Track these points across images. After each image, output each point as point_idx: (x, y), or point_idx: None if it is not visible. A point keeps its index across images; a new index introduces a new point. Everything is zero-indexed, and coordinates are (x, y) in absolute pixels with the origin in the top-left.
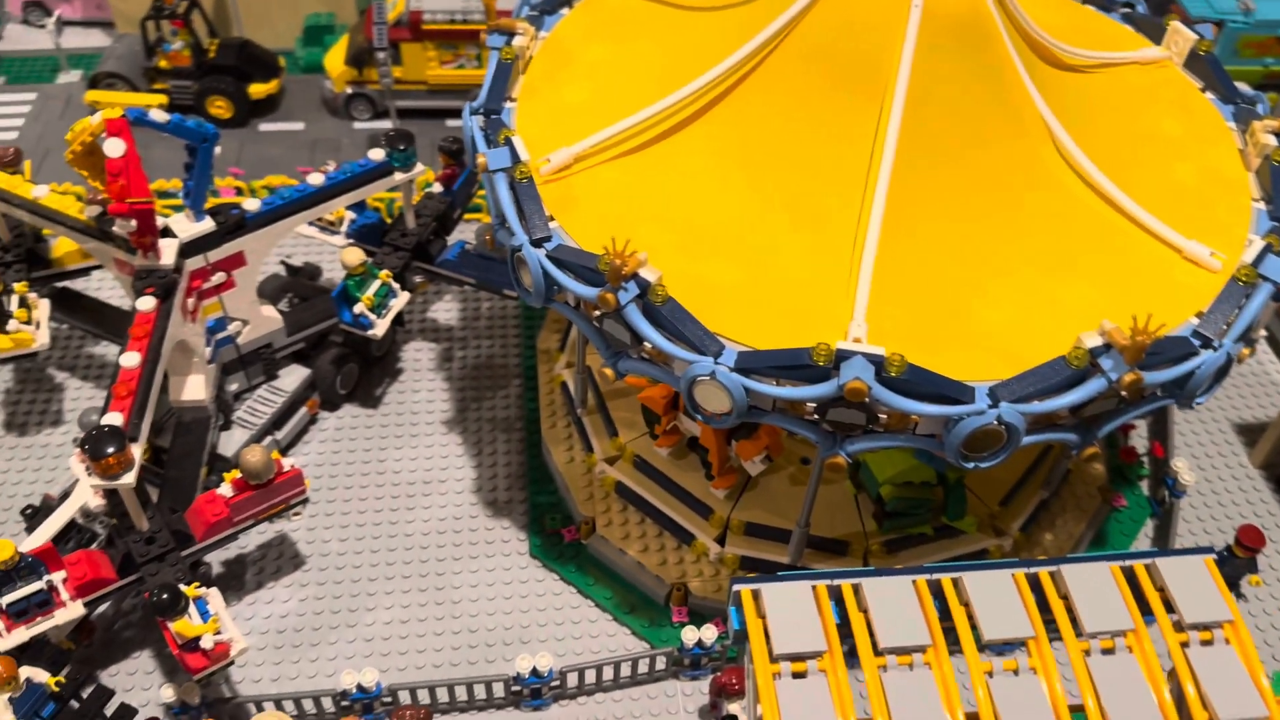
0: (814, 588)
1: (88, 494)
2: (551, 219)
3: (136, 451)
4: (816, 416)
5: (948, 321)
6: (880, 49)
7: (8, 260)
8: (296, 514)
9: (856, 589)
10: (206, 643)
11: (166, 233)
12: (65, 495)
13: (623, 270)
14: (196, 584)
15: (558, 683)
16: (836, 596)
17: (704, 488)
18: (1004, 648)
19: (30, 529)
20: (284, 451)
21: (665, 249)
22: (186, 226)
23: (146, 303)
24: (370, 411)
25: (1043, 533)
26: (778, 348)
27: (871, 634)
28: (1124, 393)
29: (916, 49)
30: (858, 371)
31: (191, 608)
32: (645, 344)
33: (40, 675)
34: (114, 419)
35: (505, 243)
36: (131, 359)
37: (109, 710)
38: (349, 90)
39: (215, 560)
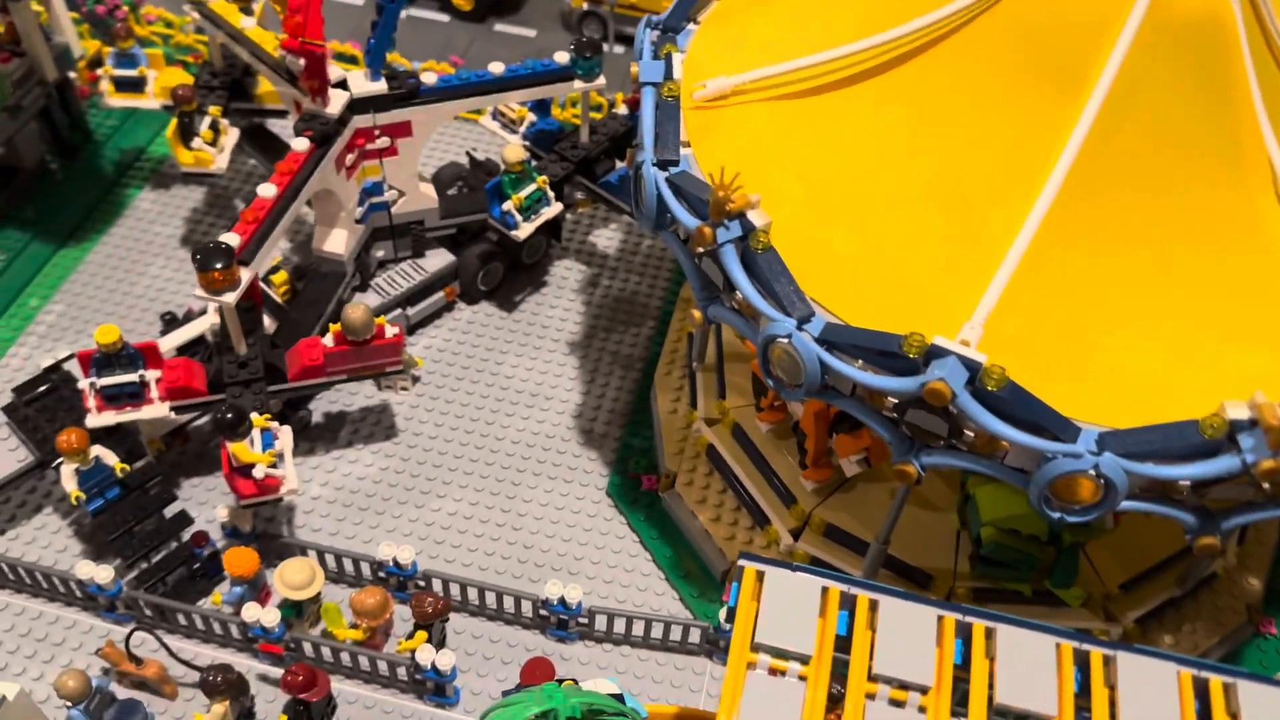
0: (825, 588)
1: (200, 327)
2: (686, 145)
3: (245, 275)
4: (895, 415)
5: (1077, 351)
6: (1090, 40)
7: (213, 85)
8: (404, 388)
9: (873, 605)
10: (258, 472)
11: (342, 85)
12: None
13: (727, 205)
14: (268, 416)
15: (585, 620)
16: (849, 606)
17: (795, 475)
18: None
19: (163, 333)
20: (411, 330)
21: (792, 202)
22: (361, 84)
23: (301, 143)
24: (504, 314)
25: (1162, 634)
26: (875, 329)
27: (871, 656)
28: (1263, 482)
29: (1131, 46)
30: (947, 374)
31: (256, 436)
32: (736, 293)
33: (110, 458)
34: (231, 239)
35: (635, 158)
36: (268, 190)
37: (169, 513)
38: (585, 7)
39: (317, 411)
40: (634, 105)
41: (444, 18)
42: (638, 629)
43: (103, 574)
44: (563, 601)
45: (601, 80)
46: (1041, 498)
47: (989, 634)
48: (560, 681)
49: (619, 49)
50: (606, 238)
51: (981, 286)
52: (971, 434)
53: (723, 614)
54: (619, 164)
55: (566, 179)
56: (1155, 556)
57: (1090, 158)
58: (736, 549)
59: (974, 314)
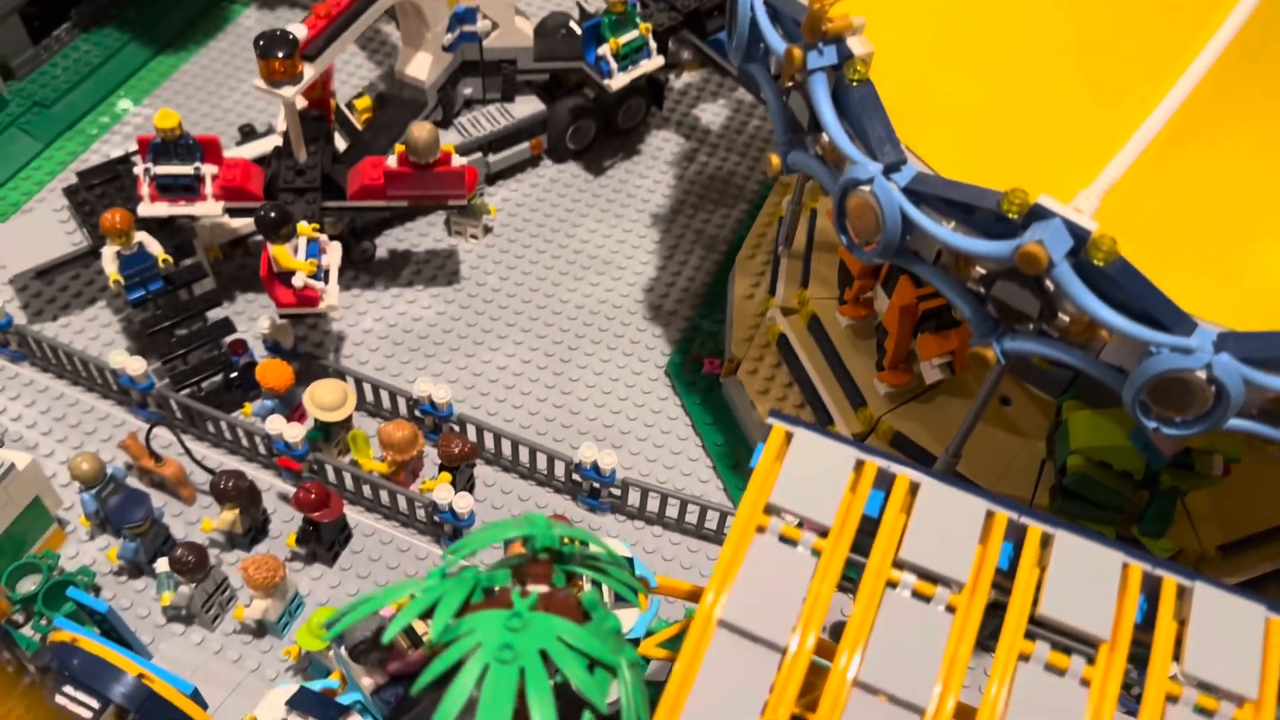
0: (860, 460)
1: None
2: None
3: (309, 71)
4: (982, 289)
5: (1204, 243)
6: None
7: None
8: (474, 236)
9: (914, 488)
10: (298, 281)
11: None
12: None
13: (824, 24)
14: (316, 226)
15: (618, 492)
16: (886, 487)
17: (869, 377)
18: (1062, 639)
19: (238, 144)
20: (490, 179)
21: (905, 34)
22: None
23: None
24: (589, 177)
25: None
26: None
27: (901, 541)
28: None
29: None
30: (1047, 237)
31: (301, 245)
32: (822, 134)
33: (155, 247)
34: (299, 30)
35: None
36: None
37: (214, 317)
38: None
39: (384, 246)
40: None
41: None
42: (672, 510)
43: (135, 365)
44: (596, 467)
45: None
46: (1138, 401)
47: (1045, 540)
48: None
49: None
50: (712, 112)
51: (1107, 155)
52: (1067, 318)
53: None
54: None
55: (673, 31)
56: (1265, 521)
57: (1251, 37)
58: None
59: (1093, 183)
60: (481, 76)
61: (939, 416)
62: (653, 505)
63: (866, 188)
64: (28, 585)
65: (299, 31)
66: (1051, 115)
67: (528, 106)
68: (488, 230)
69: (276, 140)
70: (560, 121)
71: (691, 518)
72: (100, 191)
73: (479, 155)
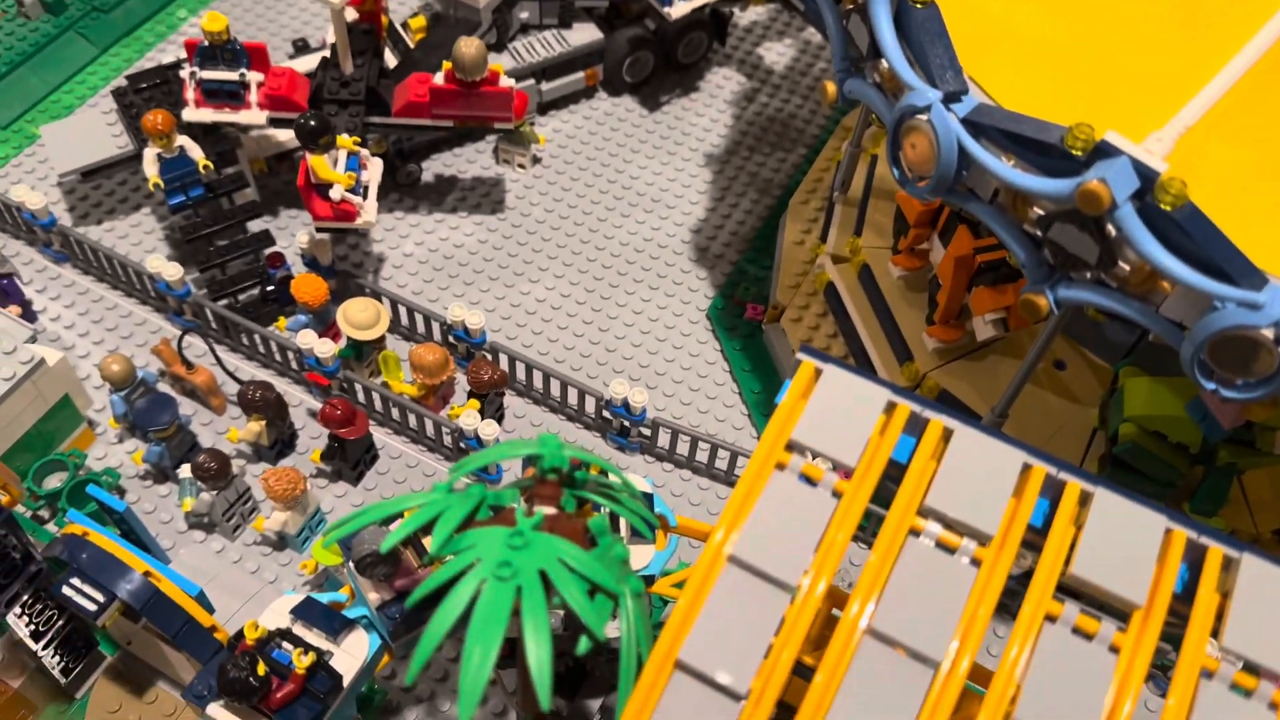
0: (891, 402)
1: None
2: None
3: None
4: (1039, 231)
5: None
6: None
7: None
8: (522, 165)
9: (947, 434)
10: (335, 194)
11: None
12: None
13: None
14: (357, 140)
15: (648, 432)
16: (917, 432)
17: (918, 331)
18: (1094, 607)
19: (290, 58)
20: (542, 109)
21: None
22: None
23: None
24: (644, 112)
25: None
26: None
27: (929, 488)
28: None
29: None
30: (1111, 176)
31: (340, 158)
32: (881, 61)
33: (196, 152)
34: None
35: None
36: None
37: (254, 226)
38: None
39: (430, 170)
40: None
41: None
42: (702, 454)
43: (171, 271)
44: (626, 405)
45: None
46: (1197, 360)
47: (1084, 498)
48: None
49: None
50: (777, 51)
51: (1186, 96)
52: (1127, 266)
53: None
54: None
55: None
56: None
57: None
58: None
59: (1168, 125)
60: (539, 1)
61: (988, 376)
62: (682, 448)
63: (923, 117)
64: (53, 482)
65: None
66: (1129, 49)
67: (585, 34)
68: (536, 160)
69: (327, 46)
70: (618, 52)
71: (721, 464)
72: (148, 96)
73: (531, 82)
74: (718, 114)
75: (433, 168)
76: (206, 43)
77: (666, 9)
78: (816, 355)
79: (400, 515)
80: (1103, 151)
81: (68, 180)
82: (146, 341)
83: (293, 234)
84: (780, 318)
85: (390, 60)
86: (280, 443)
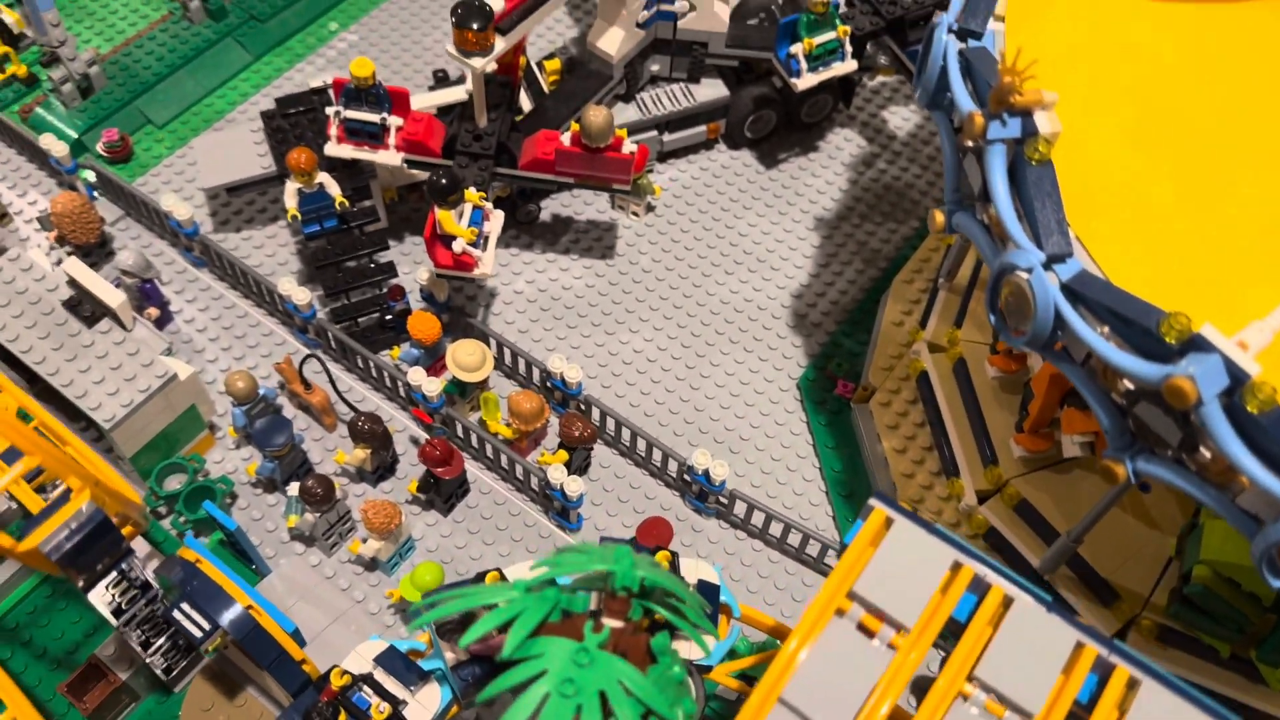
0: (958, 563)
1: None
2: (1000, 19)
3: (500, 44)
4: (1125, 402)
5: None
6: None
7: None
8: (636, 213)
9: (1008, 601)
10: (457, 246)
11: None
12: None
13: (1012, 96)
14: (483, 195)
15: (726, 500)
16: (980, 592)
17: (1006, 435)
18: None
19: (430, 89)
20: (662, 157)
21: (1100, 114)
22: None
23: None
24: (761, 168)
25: None
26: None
27: (982, 655)
28: None
29: None
30: (1200, 373)
31: (466, 210)
32: (990, 205)
33: (333, 189)
34: (495, 2)
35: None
36: None
37: (380, 259)
38: None
39: (548, 210)
40: None
41: None
42: (775, 529)
43: (300, 295)
44: (707, 474)
45: None
46: (1266, 556)
47: (1132, 684)
48: (657, 550)
49: None
50: (901, 117)
51: None
52: (1207, 454)
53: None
54: None
55: (873, 36)
56: None
57: None
58: (913, 488)
59: (1271, 314)
60: (671, 55)
61: (1070, 491)
62: (757, 520)
63: (1024, 275)
64: (173, 484)
65: (496, 3)
66: (1246, 224)
67: (712, 90)
68: (650, 208)
69: (465, 92)
70: (742, 109)
71: (793, 540)
72: (294, 120)
73: (654, 133)
74: (834, 176)
75: (551, 207)
76: (354, 85)
77: (794, 80)
78: (888, 503)
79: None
80: (1196, 344)
81: (212, 191)
82: (271, 353)
83: (416, 261)
84: (870, 399)
85: (525, 102)
86: (382, 468)
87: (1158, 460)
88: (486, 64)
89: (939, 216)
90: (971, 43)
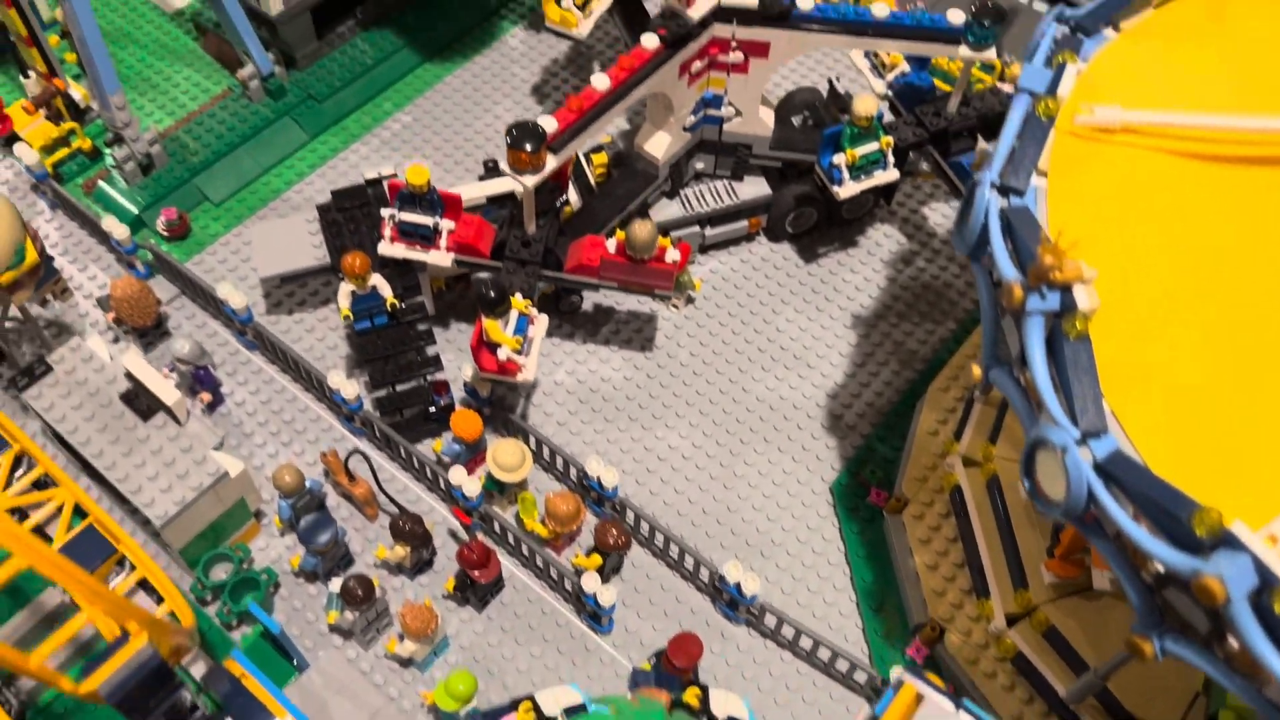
0: None
1: (509, 184)
2: (1043, 174)
3: (551, 162)
4: (1154, 582)
5: None
6: None
7: None
8: (676, 306)
9: None
10: (502, 354)
11: None
12: None
13: (1052, 272)
14: (529, 302)
15: (755, 612)
16: None
17: (1037, 560)
18: None
19: (480, 178)
20: (703, 248)
21: (1140, 286)
22: None
23: (651, 40)
24: (800, 262)
25: None
26: (1170, 482)
27: None
28: None
29: None
30: (1230, 573)
31: (512, 318)
32: (1026, 370)
33: (385, 290)
34: (548, 124)
35: (978, 169)
36: (601, 82)
37: (427, 352)
38: None
39: (590, 299)
40: None
41: None
42: (805, 643)
43: (349, 389)
44: (739, 586)
45: (992, 53)
46: None
47: None
48: (678, 703)
49: (1040, 4)
50: (941, 215)
51: None
52: (1236, 645)
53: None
54: (982, 146)
55: (916, 147)
56: None
57: None
58: (944, 606)
59: None
60: (716, 155)
61: (1100, 620)
62: (787, 632)
63: (1056, 451)
64: (219, 573)
65: (548, 125)
66: None
67: (754, 188)
68: (690, 301)
69: (499, 186)
70: (783, 206)
71: (823, 655)
72: (349, 214)
73: (696, 229)
74: (872, 273)
75: (593, 296)
76: (408, 190)
77: (836, 188)
78: (919, 677)
79: None
80: (1227, 541)
81: (268, 281)
82: (318, 439)
83: (459, 348)
84: (903, 510)
85: (572, 194)
86: (420, 563)
87: (1186, 642)
88: (538, 181)
89: (976, 370)
90: (1014, 200)
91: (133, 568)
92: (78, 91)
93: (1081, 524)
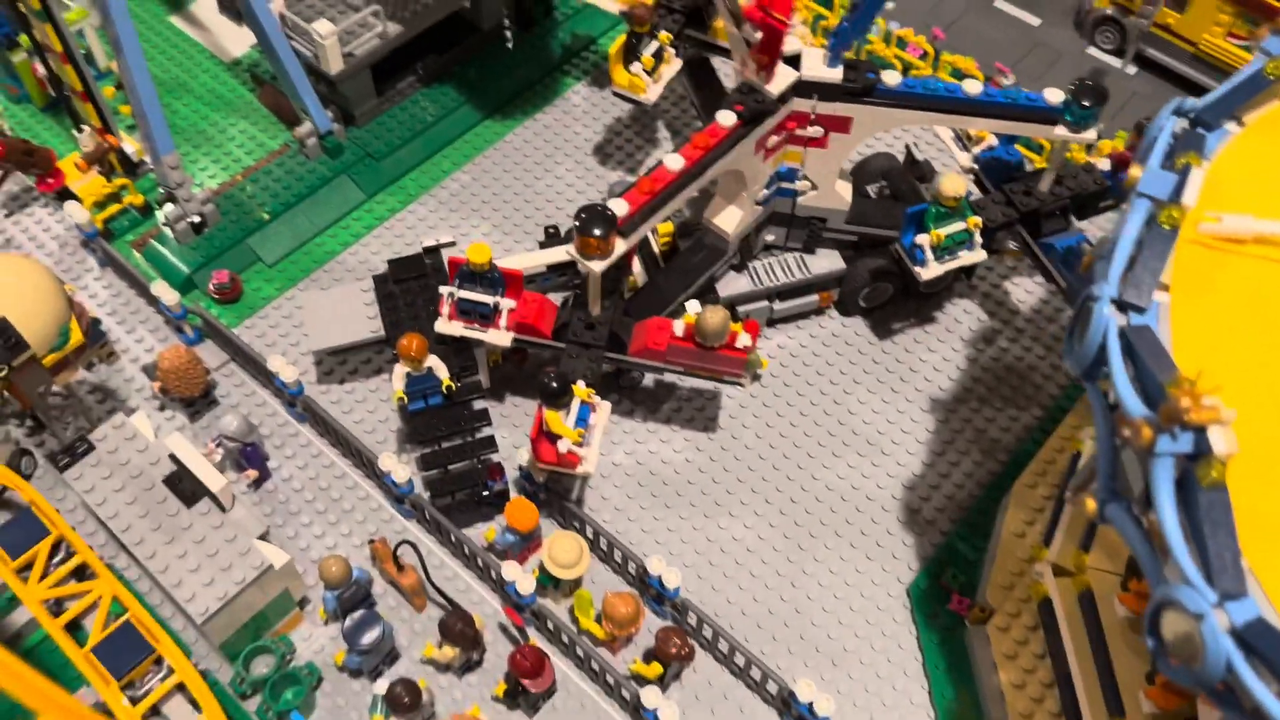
0: None
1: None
2: (1165, 289)
3: (620, 246)
4: None
5: None
6: None
7: (673, 7)
8: (741, 385)
9: None
10: (563, 447)
11: (793, 61)
12: None
13: (1184, 414)
14: (591, 391)
15: None
16: None
17: (1136, 685)
18: None
19: (541, 245)
20: (771, 323)
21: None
22: (815, 66)
23: (727, 118)
24: (873, 339)
25: None
26: None
27: None
28: None
29: None
30: None
31: (573, 407)
32: (1151, 513)
33: (442, 372)
34: (619, 208)
35: (1092, 282)
36: (675, 163)
37: (480, 433)
38: (1108, 9)
39: (650, 377)
40: (1120, 163)
41: None
42: None
43: (401, 472)
44: (811, 708)
45: (1092, 134)
46: None
47: None
48: None
49: (1131, 69)
50: (1026, 291)
51: None
52: None
53: None
54: (1076, 226)
55: (1004, 227)
56: None
57: None
58: None
59: None
60: (788, 228)
61: None
62: None
63: (1189, 617)
64: (260, 667)
65: (619, 208)
66: None
67: (827, 262)
68: (756, 379)
69: (558, 255)
70: (857, 280)
71: None
72: (405, 286)
73: (764, 303)
74: (951, 352)
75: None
76: (468, 267)
77: (918, 269)
78: None
79: None
80: None
81: (320, 354)
82: (366, 519)
83: (514, 424)
84: (987, 620)
85: (636, 267)
86: (469, 665)
87: None
88: (605, 266)
89: (1090, 503)
90: (1134, 318)
91: (170, 670)
92: (131, 146)
93: (1213, 694)
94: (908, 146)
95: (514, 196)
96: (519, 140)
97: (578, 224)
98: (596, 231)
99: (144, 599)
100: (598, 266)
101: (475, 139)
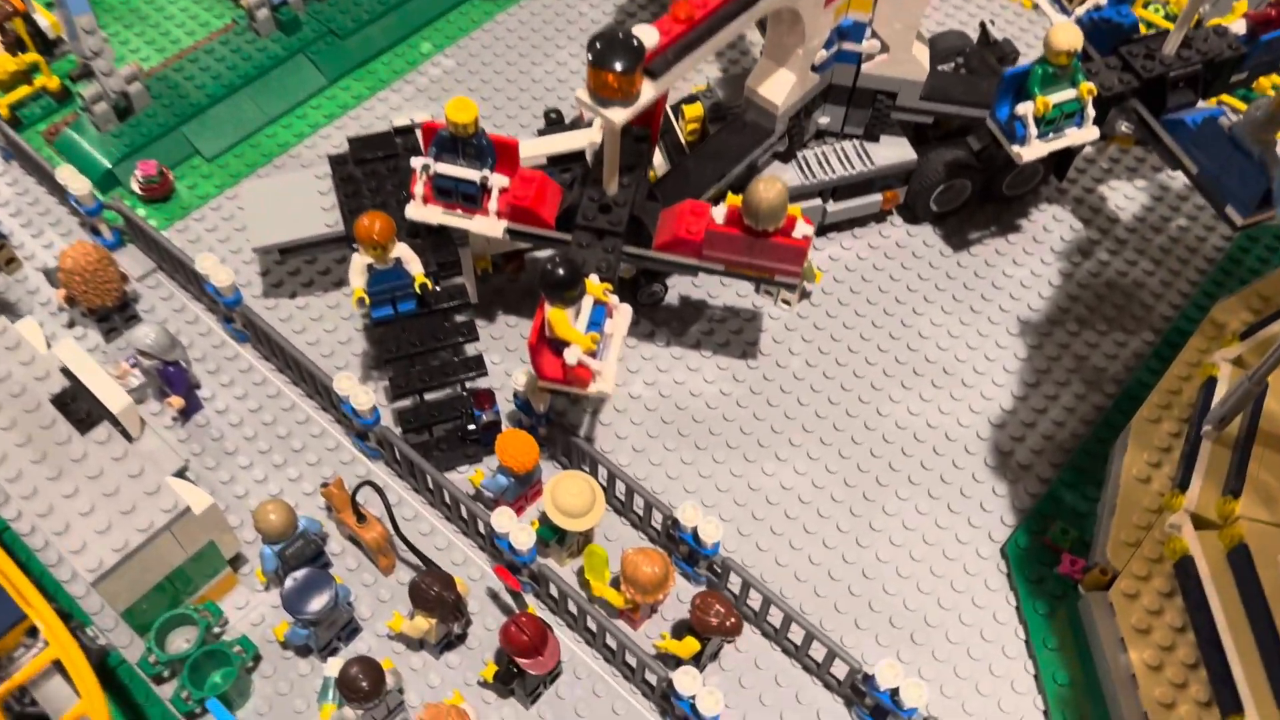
0: None
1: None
2: None
3: (648, 91)
4: None
5: None
6: None
7: None
8: (787, 302)
9: None
10: (570, 356)
11: None
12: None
13: None
14: (609, 287)
15: None
16: None
17: None
18: None
19: (540, 133)
20: (821, 229)
21: None
22: None
23: None
24: (946, 251)
25: None
26: None
27: None
28: None
29: None
30: None
31: (585, 307)
32: None
33: (414, 266)
34: (648, 36)
35: None
36: None
37: (465, 351)
38: None
39: (676, 289)
40: (1258, 26)
41: None
42: None
43: (362, 397)
44: (895, 695)
45: None
46: None
47: None
48: None
49: None
50: (1124, 195)
51: None
52: None
53: None
54: (1203, 103)
55: (1120, 98)
56: None
57: None
58: None
59: None
60: (847, 107)
61: None
62: None
63: None
64: (178, 642)
65: (647, 37)
66: None
67: (894, 151)
68: (805, 295)
69: (588, 139)
70: (931, 176)
71: None
72: (370, 168)
73: (817, 202)
74: (1041, 266)
75: (679, 286)
76: (449, 132)
77: (1016, 148)
78: None
79: None
80: None
81: (264, 251)
82: (320, 460)
83: (508, 347)
84: (1110, 586)
85: (658, 157)
86: (449, 638)
87: None
88: (629, 116)
89: None
90: None
91: (45, 644)
92: (46, 19)
93: None
94: (982, 23)
95: (507, 84)
96: (513, 21)
97: (592, 54)
98: (617, 65)
99: (36, 554)
100: (618, 116)
101: (461, 19)
